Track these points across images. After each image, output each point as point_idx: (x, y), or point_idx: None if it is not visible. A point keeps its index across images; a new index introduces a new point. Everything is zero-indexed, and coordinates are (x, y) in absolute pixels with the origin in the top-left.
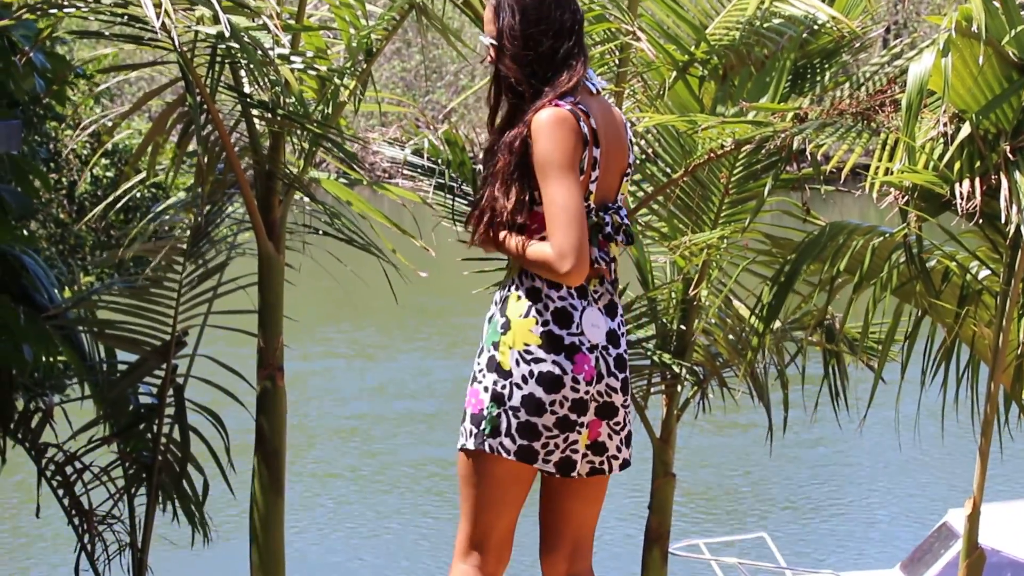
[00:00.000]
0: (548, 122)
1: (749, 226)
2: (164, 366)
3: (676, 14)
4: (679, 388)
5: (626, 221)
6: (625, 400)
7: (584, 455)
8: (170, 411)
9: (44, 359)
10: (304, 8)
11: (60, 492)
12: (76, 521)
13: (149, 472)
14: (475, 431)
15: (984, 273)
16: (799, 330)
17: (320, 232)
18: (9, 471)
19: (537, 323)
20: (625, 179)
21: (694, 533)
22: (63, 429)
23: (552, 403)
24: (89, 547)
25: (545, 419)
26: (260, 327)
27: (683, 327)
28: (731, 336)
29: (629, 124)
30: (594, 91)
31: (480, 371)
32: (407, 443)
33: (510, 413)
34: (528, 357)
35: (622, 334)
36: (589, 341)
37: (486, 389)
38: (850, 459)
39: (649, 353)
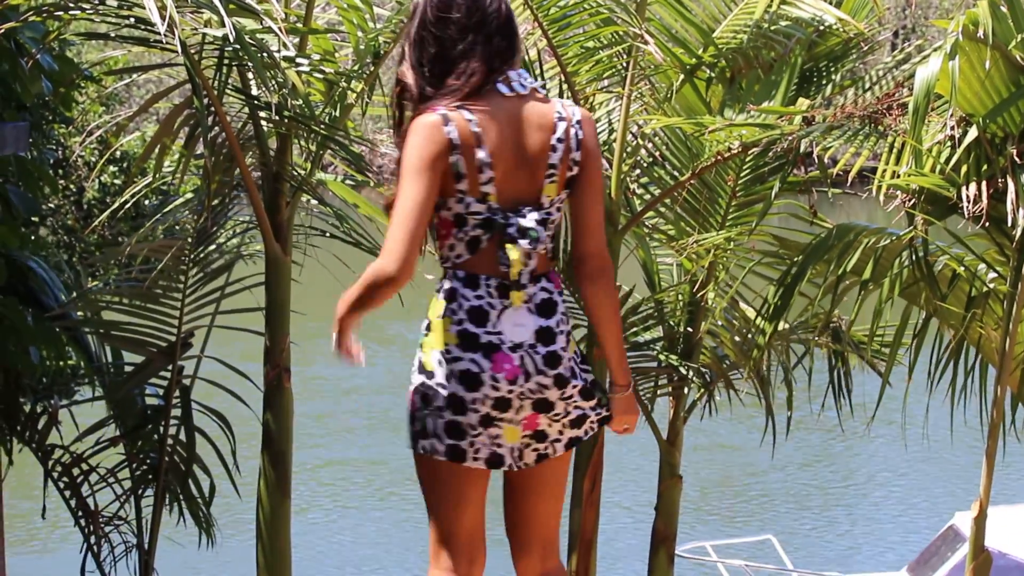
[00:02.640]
0: (410, 130)
1: (756, 228)
2: (170, 367)
3: (684, 17)
4: (686, 390)
5: (535, 226)
6: (564, 393)
7: (525, 446)
8: (177, 412)
9: (51, 363)
10: (311, 11)
11: (67, 493)
12: (83, 522)
13: (156, 473)
14: (410, 432)
15: (991, 276)
16: (806, 332)
17: (327, 234)
18: (16, 472)
19: (453, 322)
20: (549, 180)
21: (701, 535)
22: (70, 431)
23: (474, 401)
24: (95, 548)
25: (469, 417)
26: (267, 328)
27: (690, 329)
28: (737, 338)
29: (577, 124)
30: (508, 93)
31: (412, 373)
32: None
33: (436, 413)
34: (448, 357)
35: (560, 332)
36: (511, 340)
37: (416, 391)
38: (857, 462)
39: (656, 355)
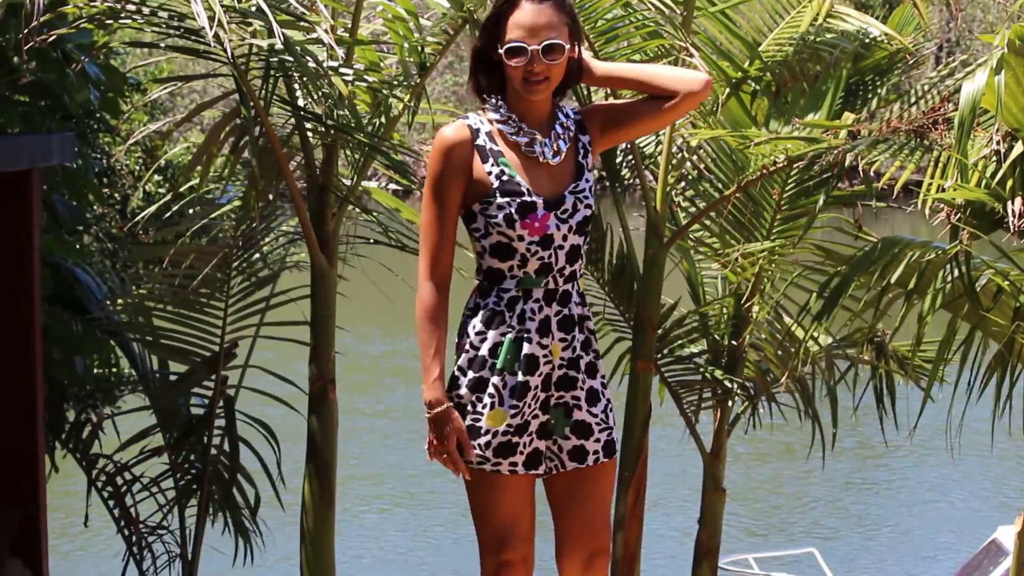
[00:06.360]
0: None
1: (800, 241)
2: (213, 377)
3: (729, 31)
4: (730, 403)
5: None
6: None
7: None
8: (221, 422)
9: (99, 369)
10: (358, 22)
11: (110, 503)
12: (126, 532)
13: (200, 483)
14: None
15: None
16: (850, 347)
17: (371, 241)
18: (59, 480)
19: None
20: None
21: (744, 548)
22: (114, 440)
23: None
24: (138, 557)
25: None
26: (312, 339)
27: (734, 342)
28: (780, 352)
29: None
30: None
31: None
32: None
33: None
34: None
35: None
36: None
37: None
38: (900, 475)
39: (700, 368)
